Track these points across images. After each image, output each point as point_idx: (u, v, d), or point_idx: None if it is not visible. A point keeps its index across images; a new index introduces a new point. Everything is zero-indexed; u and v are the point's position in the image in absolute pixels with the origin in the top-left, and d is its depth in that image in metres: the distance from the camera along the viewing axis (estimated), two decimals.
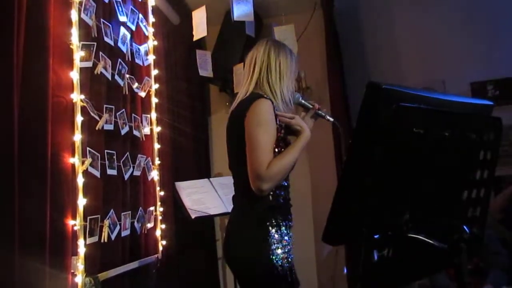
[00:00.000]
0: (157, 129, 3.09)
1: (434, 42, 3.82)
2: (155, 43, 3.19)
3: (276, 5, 3.98)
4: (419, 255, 1.00)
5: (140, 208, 2.76)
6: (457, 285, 0.99)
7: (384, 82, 0.88)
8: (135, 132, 2.78)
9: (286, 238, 1.77)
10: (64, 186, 2.02)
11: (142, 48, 3.00)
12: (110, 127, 2.45)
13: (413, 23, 3.95)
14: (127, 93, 2.71)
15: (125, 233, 2.53)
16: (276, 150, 1.75)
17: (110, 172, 2.41)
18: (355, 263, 3.27)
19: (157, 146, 3.07)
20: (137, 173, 2.75)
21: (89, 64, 2.27)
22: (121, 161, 2.55)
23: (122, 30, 2.69)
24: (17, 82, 1.80)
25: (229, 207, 2.85)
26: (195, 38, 3.16)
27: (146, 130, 2.95)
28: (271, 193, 1.76)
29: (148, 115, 3.02)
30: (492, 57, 3.66)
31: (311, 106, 1.96)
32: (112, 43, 2.55)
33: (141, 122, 2.89)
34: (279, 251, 1.72)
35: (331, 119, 1.97)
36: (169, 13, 3.69)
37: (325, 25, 3.84)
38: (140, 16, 3.00)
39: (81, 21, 2.23)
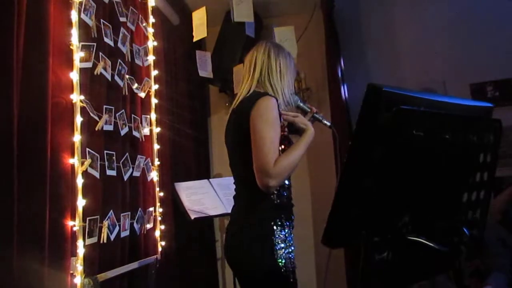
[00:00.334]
0: (156, 129, 3.09)
1: (434, 43, 3.82)
2: (155, 43, 3.19)
3: (276, 6, 3.99)
4: (419, 257, 1.00)
5: (140, 208, 2.76)
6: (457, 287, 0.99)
7: (384, 85, 0.88)
8: (135, 133, 2.77)
9: (289, 238, 1.77)
10: (63, 186, 2.02)
11: (142, 49, 2.99)
12: (109, 127, 2.44)
13: (413, 24, 3.95)
14: (126, 93, 2.71)
15: (124, 233, 2.52)
16: (280, 148, 1.75)
17: (110, 172, 2.41)
18: (354, 265, 3.26)
19: (156, 146, 3.07)
20: (136, 173, 2.74)
21: (89, 64, 2.27)
22: (121, 162, 2.55)
23: (122, 30, 2.69)
24: (17, 82, 1.80)
25: (228, 208, 2.85)
26: (195, 39, 3.16)
27: (146, 131, 2.94)
28: (275, 192, 1.76)
29: (148, 116, 3.01)
30: (492, 58, 3.66)
31: (308, 110, 1.97)
32: (112, 43, 2.55)
33: (141, 122, 2.88)
34: (282, 251, 1.72)
35: (328, 123, 1.99)
36: (169, 14, 3.68)
37: (325, 26, 3.84)
38: (140, 16, 3.00)
39: (81, 21, 2.22)
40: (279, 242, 1.72)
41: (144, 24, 3.06)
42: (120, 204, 2.55)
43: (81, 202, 2.09)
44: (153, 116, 3.07)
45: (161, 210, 3.03)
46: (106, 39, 2.47)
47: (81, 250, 2.06)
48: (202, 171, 3.96)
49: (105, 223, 2.30)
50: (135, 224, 2.67)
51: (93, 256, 2.20)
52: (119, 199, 2.54)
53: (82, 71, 2.21)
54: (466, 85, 3.73)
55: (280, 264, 1.70)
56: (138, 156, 2.78)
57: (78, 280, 2.02)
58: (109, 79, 2.50)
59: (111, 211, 2.38)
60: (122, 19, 2.70)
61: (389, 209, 0.93)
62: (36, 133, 1.88)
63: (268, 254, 1.70)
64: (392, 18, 4.02)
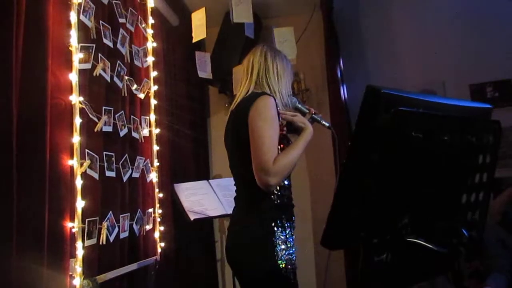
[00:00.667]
0: (156, 130, 3.09)
1: (433, 43, 3.82)
2: (154, 44, 3.19)
3: (275, 7, 3.99)
4: (418, 259, 1.00)
5: (139, 210, 2.75)
6: None
7: (383, 86, 0.88)
8: (134, 134, 2.77)
9: (290, 239, 1.77)
10: (62, 188, 2.01)
11: (141, 50, 2.99)
12: (108, 129, 2.44)
13: (413, 25, 3.96)
14: (126, 94, 2.71)
15: (123, 235, 2.52)
16: (279, 147, 1.76)
17: (109, 174, 2.41)
18: (354, 266, 3.26)
19: (156, 147, 3.07)
20: (135, 175, 2.74)
21: (88, 66, 2.27)
22: (120, 163, 2.54)
23: (121, 31, 2.68)
24: (16, 83, 1.80)
25: (228, 209, 2.85)
26: (194, 40, 3.16)
27: (145, 132, 2.94)
28: (275, 192, 1.76)
29: (147, 117, 3.01)
30: (491, 59, 3.66)
31: (307, 111, 1.97)
32: (111, 44, 2.55)
33: (140, 123, 2.88)
34: (283, 252, 1.72)
35: (326, 124, 1.99)
36: (168, 15, 3.68)
37: (324, 27, 3.84)
38: (139, 17, 3.00)
39: (80, 23, 2.22)
40: (280, 243, 1.72)
41: (143, 25, 3.06)
42: (119, 205, 2.54)
43: (80, 204, 2.09)
44: (152, 117, 3.07)
45: (160, 211, 3.03)
46: (105, 40, 2.47)
47: (80, 252, 2.06)
48: (202, 172, 3.96)
49: (104, 224, 2.30)
50: (134, 225, 2.66)
51: (92, 258, 2.20)
52: (118, 200, 2.54)
53: (81, 72, 2.21)
54: (466, 85, 3.73)
55: (280, 265, 1.70)
56: (138, 157, 2.78)
57: (77, 281, 2.02)
58: (108, 80, 2.50)
59: (110, 212, 2.38)
60: (121, 20, 2.70)
61: (388, 210, 0.92)
62: (35, 134, 1.88)
63: (268, 255, 1.70)
64: (391, 19, 4.03)
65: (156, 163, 3.05)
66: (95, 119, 2.31)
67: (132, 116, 2.77)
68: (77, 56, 2.17)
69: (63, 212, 2.01)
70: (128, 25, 2.80)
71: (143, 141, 2.89)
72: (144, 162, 2.88)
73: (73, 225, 2.05)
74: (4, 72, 1.75)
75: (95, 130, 2.33)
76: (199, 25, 3.09)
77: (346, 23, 4.04)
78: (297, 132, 1.85)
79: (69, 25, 2.16)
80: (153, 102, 3.10)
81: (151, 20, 3.19)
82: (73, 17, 2.17)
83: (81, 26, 2.24)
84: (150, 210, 2.92)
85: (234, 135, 1.85)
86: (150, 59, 3.12)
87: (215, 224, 4.06)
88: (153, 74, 3.14)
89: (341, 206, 0.92)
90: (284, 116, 1.84)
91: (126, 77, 2.72)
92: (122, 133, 2.60)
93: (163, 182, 3.12)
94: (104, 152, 2.39)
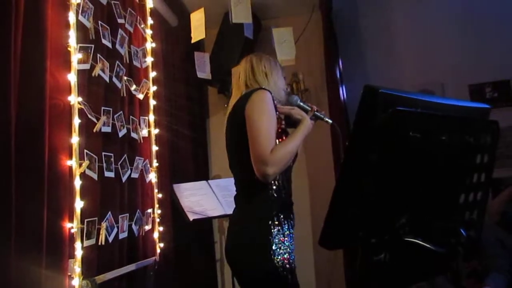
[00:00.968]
0: (155, 131, 3.09)
1: (432, 44, 3.83)
2: (153, 45, 3.19)
3: (274, 7, 3.99)
4: (416, 259, 1.00)
5: (138, 210, 2.75)
6: None
7: (381, 86, 0.88)
8: (133, 134, 2.77)
9: (288, 238, 1.76)
10: (61, 188, 2.01)
11: (140, 50, 2.99)
12: (107, 129, 2.44)
13: (411, 25, 3.96)
14: (125, 95, 2.71)
15: (122, 235, 2.52)
16: (278, 141, 1.76)
17: (108, 174, 2.41)
18: (353, 266, 3.26)
19: (155, 148, 3.07)
20: (134, 175, 2.74)
21: (86, 66, 2.27)
22: (119, 164, 2.54)
23: (120, 32, 2.69)
24: (14, 84, 1.80)
25: (227, 209, 2.85)
26: (193, 40, 3.16)
27: (144, 132, 2.94)
28: (273, 191, 1.76)
29: (146, 117, 3.01)
30: (490, 59, 3.67)
31: (309, 108, 1.97)
32: (110, 45, 2.55)
33: (139, 124, 2.88)
34: (281, 251, 1.71)
35: (330, 121, 1.99)
36: (167, 15, 3.68)
37: (323, 27, 3.85)
38: (138, 18, 3.00)
39: (79, 23, 2.23)
40: (277, 242, 1.71)
41: (142, 26, 3.06)
42: (118, 205, 2.54)
43: (79, 204, 2.09)
44: (151, 117, 3.07)
45: (159, 211, 3.03)
46: (104, 41, 2.47)
47: (79, 252, 2.06)
48: (201, 173, 3.96)
49: (103, 224, 2.30)
50: (133, 226, 2.66)
51: (91, 258, 2.20)
52: (117, 201, 2.54)
53: (80, 72, 2.21)
54: (465, 86, 3.74)
55: (277, 264, 1.69)
56: (137, 157, 2.78)
57: (76, 282, 2.02)
58: (107, 80, 2.50)
59: (109, 212, 2.38)
60: (120, 21, 2.70)
61: (386, 210, 0.92)
62: (34, 135, 1.88)
63: (264, 254, 1.70)
64: (390, 19, 4.03)
65: (155, 163, 3.05)
66: (94, 120, 2.31)
67: (131, 117, 2.77)
68: (75, 57, 2.17)
69: (62, 213, 2.01)
70: (127, 26, 2.80)
71: (142, 141, 2.89)
72: (143, 162, 2.88)
73: (72, 226, 2.05)
74: (3, 72, 1.74)
75: (94, 130, 2.33)
76: (198, 26, 3.09)
77: (345, 24, 4.04)
78: (296, 125, 1.86)
79: (67, 25, 2.16)
80: (152, 102, 3.10)
81: (150, 21, 3.20)
82: (71, 17, 2.17)
83: (80, 26, 2.24)
84: (149, 210, 2.92)
85: (232, 134, 1.86)
86: (149, 59, 3.12)
87: (214, 224, 4.06)
88: (152, 74, 3.14)
89: (339, 206, 0.92)
90: (281, 109, 1.86)
91: (125, 78, 2.72)
92: (121, 134, 2.60)
93: (162, 182, 3.12)
94: (103, 153, 2.39)
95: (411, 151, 0.91)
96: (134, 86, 2.83)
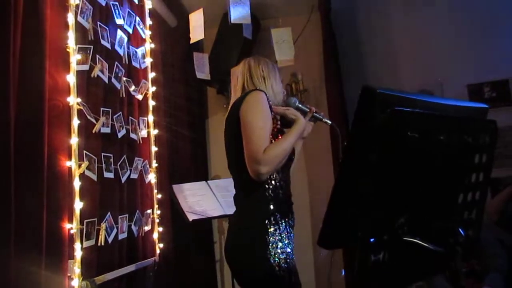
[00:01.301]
0: (154, 131, 3.09)
1: (431, 44, 3.83)
2: (152, 45, 3.19)
3: (273, 8, 3.99)
4: (415, 258, 1.00)
5: (137, 211, 2.75)
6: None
7: (379, 86, 0.88)
8: (132, 135, 2.77)
9: (286, 237, 1.76)
10: (60, 189, 2.01)
11: (139, 51, 3.00)
12: (107, 130, 2.44)
13: (410, 26, 3.96)
14: (124, 96, 2.71)
15: (122, 236, 2.52)
16: (274, 141, 1.78)
17: (107, 175, 2.41)
18: (352, 266, 3.27)
19: (154, 148, 3.07)
20: (134, 176, 2.74)
21: (85, 67, 2.27)
22: (118, 164, 2.55)
23: (119, 33, 2.69)
24: (13, 85, 1.80)
25: (227, 210, 2.85)
26: (192, 41, 3.16)
27: (143, 133, 2.94)
28: (270, 191, 1.76)
29: (145, 118, 3.01)
30: (489, 59, 3.67)
31: (308, 110, 1.97)
32: (109, 46, 2.55)
33: (138, 125, 2.88)
34: (278, 251, 1.71)
35: (329, 122, 2.00)
36: (166, 16, 3.69)
37: (322, 28, 3.85)
38: (137, 18, 3.00)
39: (77, 24, 2.22)
40: (274, 242, 1.71)
41: (141, 26, 3.06)
42: (117, 206, 2.54)
43: (78, 205, 2.09)
44: (150, 118, 3.07)
45: (159, 212, 3.03)
46: (103, 42, 2.47)
47: (78, 253, 2.06)
48: (200, 173, 3.96)
49: (103, 225, 2.30)
50: (133, 226, 2.67)
51: (91, 259, 2.20)
52: (116, 202, 2.54)
53: (79, 73, 2.21)
54: (464, 86, 3.74)
55: (273, 264, 1.69)
56: (136, 158, 2.78)
57: (76, 282, 2.02)
58: (106, 81, 2.50)
59: (109, 213, 2.38)
60: (119, 22, 2.70)
61: (385, 210, 0.93)
62: (33, 136, 1.88)
63: (261, 253, 1.70)
64: (389, 19, 4.03)
65: (154, 164, 3.05)
66: (93, 121, 2.31)
67: (130, 117, 2.77)
68: (74, 58, 2.17)
69: (61, 214, 2.01)
70: (126, 26, 2.80)
71: (141, 142, 2.89)
72: (143, 163, 2.88)
73: (72, 226, 2.05)
74: (2, 73, 1.75)
75: (93, 131, 2.33)
76: (197, 26, 3.09)
77: (344, 24, 4.04)
78: (291, 125, 1.87)
79: (66, 26, 2.16)
80: (151, 103, 3.11)
81: (149, 21, 3.20)
82: (70, 18, 2.17)
83: (79, 27, 2.24)
84: (149, 211, 2.92)
85: (229, 135, 1.87)
86: (148, 60, 3.12)
87: (214, 224, 4.06)
88: (151, 75, 3.14)
89: (338, 206, 0.92)
90: (276, 110, 1.87)
91: (124, 78, 2.72)
92: (120, 134, 2.60)
93: (162, 183, 3.12)
94: (102, 153, 2.39)
95: (410, 151, 0.91)
96: (133, 87, 2.83)
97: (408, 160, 0.92)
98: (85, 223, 2.13)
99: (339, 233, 0.97)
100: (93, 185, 2.27)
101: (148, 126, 3.04)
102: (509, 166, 3.43)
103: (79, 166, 2.13)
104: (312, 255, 3.88)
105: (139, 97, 2.94)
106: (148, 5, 3.21)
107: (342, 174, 0.93)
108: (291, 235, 1.80)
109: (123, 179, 2.60)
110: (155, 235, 2.97)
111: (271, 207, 1.76)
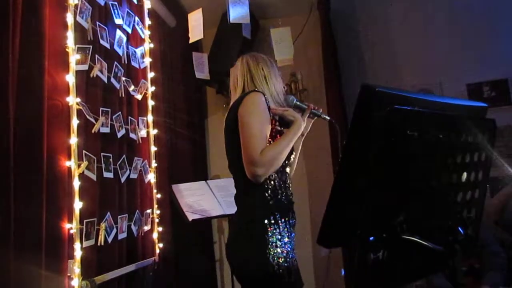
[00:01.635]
0: (153, 131, 3.09)
1: (430, 43, 3.83)
2: (151, 45, 3.19)
3: (272, 7, 4.00)
4: (414, 257, 1.00)
5: (137, 210, 2.75)
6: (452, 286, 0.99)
7: (378, 85, 0.88)
8: (132, 135, 2.77)
9: (285, 236, 1.76)
10: (60, 189, 2.01)
11: (138, 51, 2.99)
12: (106, 130, 2.44)
13: (409, 25, 3.97)
14: (123, 96, 2.71)
15: (121, 236, 2.52)
16: (272, 142, 1.77)
17: (107, 175, 2.41)
18: (351, 265, 3.27)
19: (153, 148, 3.07)
20: (133, 175, 2.74)
21: (85, 67, 2.27)
22: (118, 164, 2.55)
23: (118, 33, 2.69)
24: (12, 85, 1.80)
25: (226, 209, 2.85)
26: (191, 41, 3.15)
27: (143, 133, 2.94)
28: (269, 191, 1.76)
29: (145, 118, 3.01)
30: (488, 58, 3.68)
31: (306, 106, 1.97)
32: (108, 46, 2.55)
33: (138, 124, 2.88)
34: (277, 250, 1.71)
35: (327, 118, 2.00)
36: (165, 16, 3.68)
37: (322, 27, 3.85)
38: (136, 18, 3.00)
39: (76, 24, 2.22)
40: (273, 241, 1.71)
41: (140, 26, 3.06)
42: (117, 206, 2.54)
43: (78, 205, 2.09)
44: (150, 118, 3.07)
45: (158, 212, 3.03)
46: (102, 42, 2.47)
47: (78, 253, 2.06)
48: (200, 173, 3.96)
49: (103, 225, 2.30)
50: (132, 226, 2.67)
51: (90, 259, 2.20)
52: (116, 201, 2.54)
53: (78, 73, 2.21)
54: (463, 85, 3.74)
55: (272, 263, 1.69)
56: (135, 158, 2.78)
57: (75, 282, 2.02)
58: (105, 81, 2.50)
59: (108, 213, 2.38)
60: (118, 21, 2.70)
61: (384, 208, 0.93)
62: (32, 136, 1.88)
63: (260, 253, 1.70)
64: (389, 18, 4.04)
65: (154, 164, 3.05)
66: (93, 120, 2.31)
67: (129, 117, 2.77)
68: (74, 57, 2.17)
69: (61, 214, 2.01)
70: (125, 26, 2.80)
71: (140, 142, 2.89)
72: (142, 163, 2.88)
73: (71, 226, 2.05)
74: (1, 73, 1.75)
75: (93, 131, 2.33)
76: (196, 26, 3.08)
77: (344, 23, 4.04)
78: (289, 126, 1.87)
79: (65, 26, 2.16)
80: (151, 103, 3.11)
81: (148, 21, 3.20)
82: (69, 18, 2.17)
83: (78, 27, 2.24)
84: (148, 211, 2.92)
85: (228, 136, 1.87)
86: (147, 60, 3.12)
87: (213, 224, 4.06)
88: (150, 75, 3.14)
89: (337, 204, 0.92)
90: (274, 111, 1.86)
91: (123, 78, 2.72)
92: (119, 134, 2.60)
93: (161, 183, 3.12)
94: (102, 153, 2.39)
95: (409, 149, 0.91)
96: (132, 87, 2.83)
97: (407, 158, 0.92)
98: (84, 223, 2.13)
99: (339, 231, 0.97)
100: (93, 185, 2.27)
101: (148, 126, 3.04)
102: (508, 165, 3.43)
103: (79, 166, 2.13)
104: (312, 253, 3.88)
105: (139, 97, 2.94)
106: (147, 5, 3.21)
107: (341, 172, 0.93)
108: (292, 234, 1.80)
109: (123, 179, 2.60)
110: (155, 235, 2.97)
111: (271, 207, 1.76)
